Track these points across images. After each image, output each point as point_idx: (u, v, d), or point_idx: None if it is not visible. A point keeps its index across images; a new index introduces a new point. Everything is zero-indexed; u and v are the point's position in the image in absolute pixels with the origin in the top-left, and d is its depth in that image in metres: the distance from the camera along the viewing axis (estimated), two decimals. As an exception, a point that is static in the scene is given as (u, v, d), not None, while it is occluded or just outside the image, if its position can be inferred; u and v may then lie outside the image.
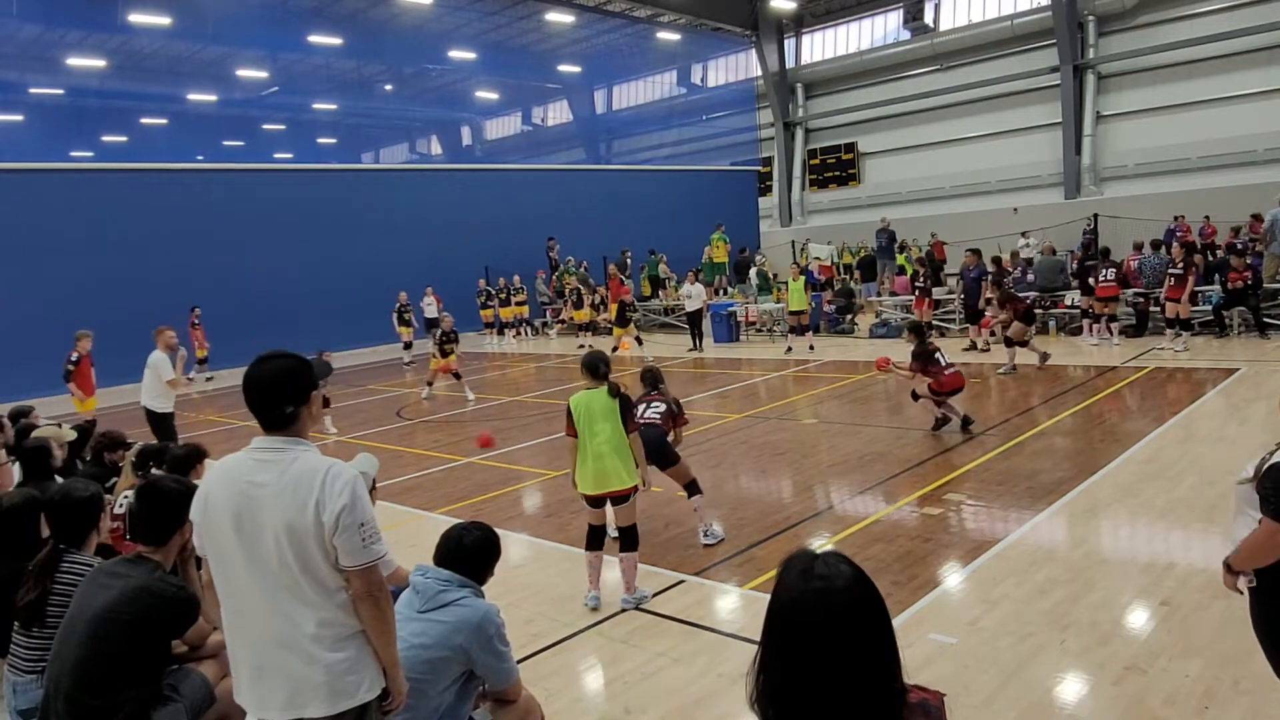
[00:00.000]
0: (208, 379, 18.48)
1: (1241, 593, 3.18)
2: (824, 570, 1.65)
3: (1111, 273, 14.63)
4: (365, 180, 24.93)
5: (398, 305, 20.09)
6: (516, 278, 23.72)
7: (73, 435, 6.44)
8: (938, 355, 9.58)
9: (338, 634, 2.65)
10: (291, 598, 2.61)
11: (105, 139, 25.18)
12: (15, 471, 5.79)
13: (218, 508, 2.67)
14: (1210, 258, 16.06)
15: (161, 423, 9.91)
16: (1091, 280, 14.93)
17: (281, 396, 2.69)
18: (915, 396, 9.77)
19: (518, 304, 23.72)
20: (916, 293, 15.91)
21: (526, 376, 17.09)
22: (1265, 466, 2.99)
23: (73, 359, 11.29)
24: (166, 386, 9.82)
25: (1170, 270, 13.63)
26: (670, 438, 6.69)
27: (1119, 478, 7.46)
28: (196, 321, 18.80)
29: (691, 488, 6.68)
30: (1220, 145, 24.37)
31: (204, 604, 3.24)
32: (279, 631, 2.63)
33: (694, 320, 18.53)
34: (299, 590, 2.61)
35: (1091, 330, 15.04)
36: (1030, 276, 16.99)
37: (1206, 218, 21.13)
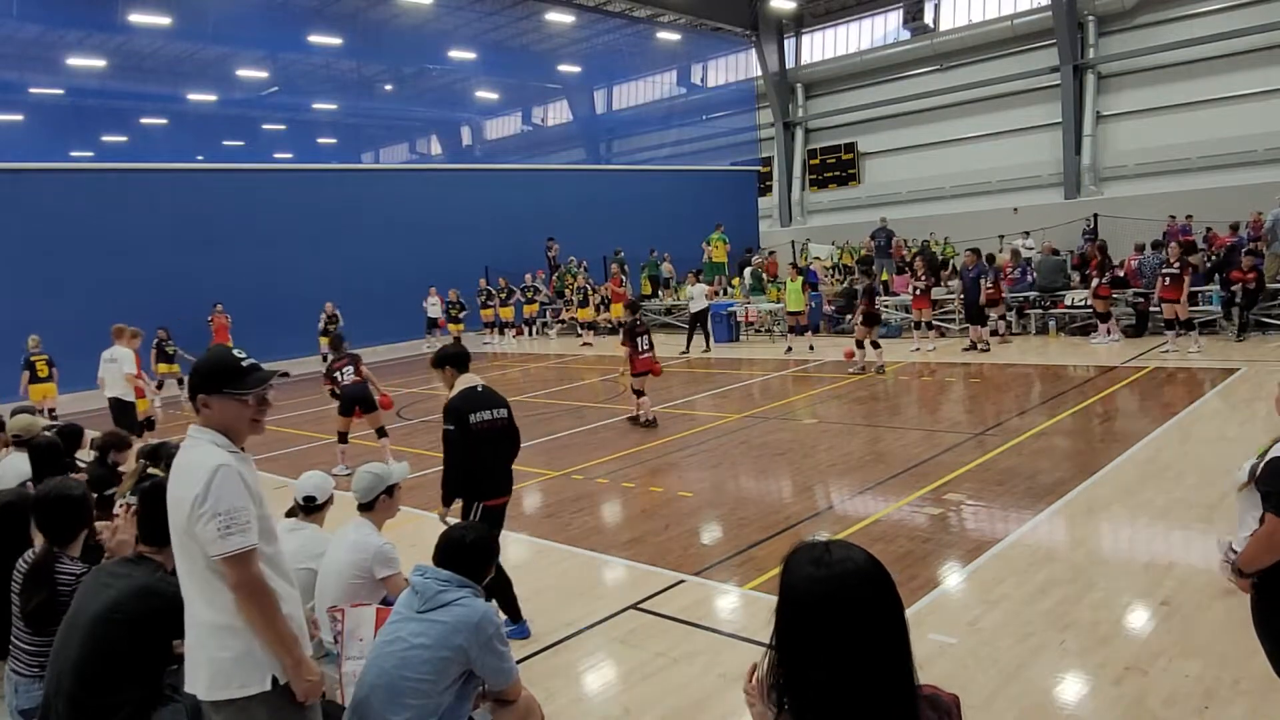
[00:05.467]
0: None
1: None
2: (838, 556, 1.63)
3: (1107, 276, 14.91)
4: (365, 180, 24.91)
5: (323, 316, 19.71)
6: (528, 276, 23.77)
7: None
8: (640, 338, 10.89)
9: (232, 623, 2.72)
10: (194, 586, 2.76)
11: (105, 139, 25.20)
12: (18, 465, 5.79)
13: (169, 498, 2.83)
14: (1209, 260, 16.04)
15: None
16: (1094, 281, 15.06)
17: (195, 383, 2.84)
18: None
19: (528, 303, 23.79)
20: (917, 292, 15.91)
21: (526, 376, 17.10)
22: (1265, 461, 2.96)
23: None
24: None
25: (1164, 270, 13.58)
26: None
27: (1119, 478, 7.46)
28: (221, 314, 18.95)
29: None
30: (1220, 145, 24.35)
31: None
32: (194, 618, 2.78)
33: (699, 321, 18.40)
34: (201, 579, 2.74)
35: (1098, 329, 15.16)
36: (1030, 277, 16.99)
37: (1209, 228, 20.93)
